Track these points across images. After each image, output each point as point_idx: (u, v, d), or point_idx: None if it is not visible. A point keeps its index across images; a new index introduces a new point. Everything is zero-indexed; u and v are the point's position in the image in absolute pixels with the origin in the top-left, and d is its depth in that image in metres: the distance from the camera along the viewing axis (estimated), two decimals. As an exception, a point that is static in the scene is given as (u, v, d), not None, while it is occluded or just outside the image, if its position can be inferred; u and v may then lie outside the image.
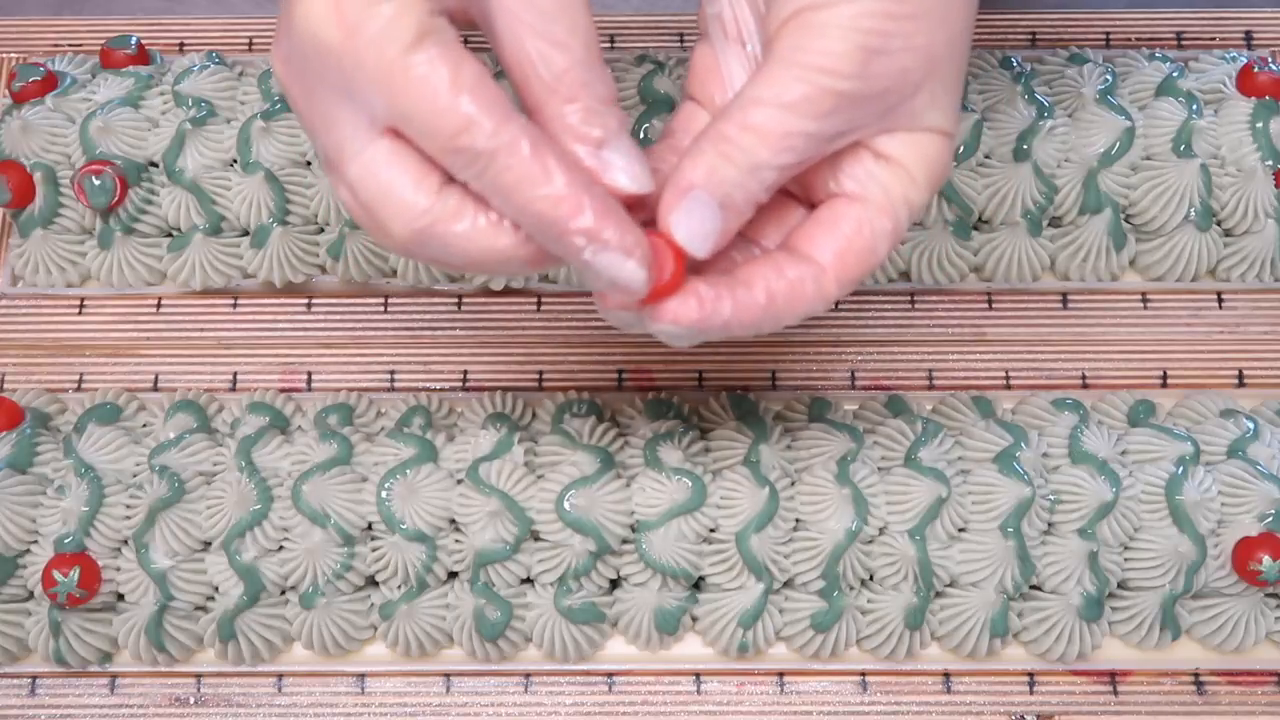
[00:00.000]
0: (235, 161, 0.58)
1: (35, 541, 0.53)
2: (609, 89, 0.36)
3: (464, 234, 0.36)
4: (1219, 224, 0.58)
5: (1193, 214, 0.57)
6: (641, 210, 0.38)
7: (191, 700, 0.53)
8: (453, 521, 0.52)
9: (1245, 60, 0.60)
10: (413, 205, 0.36)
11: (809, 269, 0.38)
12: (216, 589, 0.53)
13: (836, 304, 0.59)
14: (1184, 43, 0.64)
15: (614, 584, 0.53)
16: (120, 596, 0.53)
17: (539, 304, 0.60)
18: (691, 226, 0.37)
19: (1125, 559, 0.52)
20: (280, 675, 0.54)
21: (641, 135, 0.58)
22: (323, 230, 0.59)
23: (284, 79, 0.37)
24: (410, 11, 0.34)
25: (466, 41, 0.35)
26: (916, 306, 0.59)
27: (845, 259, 0.38)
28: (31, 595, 0.53)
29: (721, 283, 0.37)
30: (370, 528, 0.52)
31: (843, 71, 0.36)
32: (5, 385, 0.59)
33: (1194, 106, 0.58)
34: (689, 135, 0.41)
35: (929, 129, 0.39)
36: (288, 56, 0.36)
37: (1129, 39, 0.64)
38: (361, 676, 0.53)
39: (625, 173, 0.36)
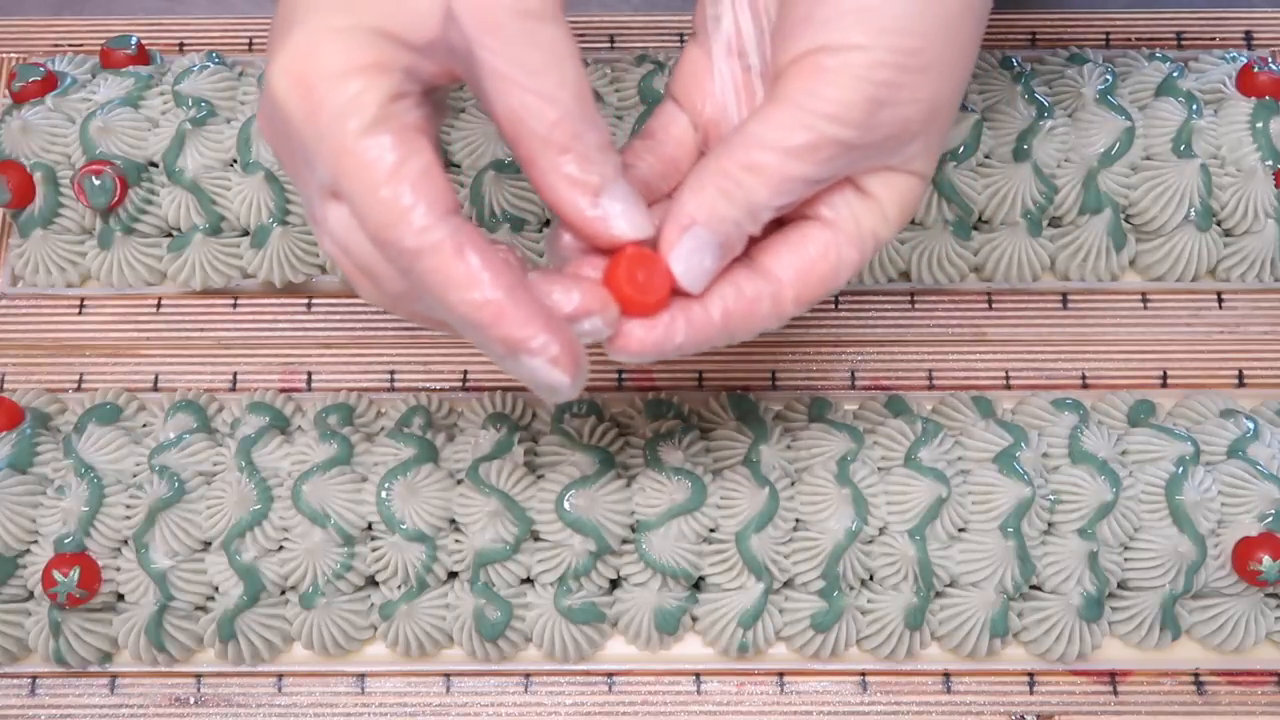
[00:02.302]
0: (235, 161, 0.58)
1: (35, 541, 0.53)
2: (602, 135, 0.36)
3: (423, 318, 0.38)
4: (1219, 224, 0.58)
5: (1193, 214, 0.57)
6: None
7: (191, 700, 0.53)
8: (453, 521, 0.52)
9: (1245, 60, 0.60)
10: (374, 289, 0.38)
11: (767, 286, 0.38)
12: (216, 589, 0.53)
13: (836, 304, 0.59)
14: (1184, 43, 0.64)
15: (614, 584, 0.53)
16: (120, 596, 0.53)
17: (539, 304, 0.59)
18: (691, 264, 0.37)
19: (1125, 559, 0.52)
20: (280, 675, 0.54)
21: (641, 135, 0.58)
22: (323, 230, 0.59)
23: (267, 138, 0.38)
24: (374, 91, 0.34)
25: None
26: (916, 306, 0.59)
27: (807, 280, 0.38)
28: (31, 595, 0.53)
29: (677, 303, 0.37)
30: (370, 528, 0.52)
31: (849, 120, 0.36)
32: (5, 385, 0.59)
33: (1194, 106, 0.58)
34: (668, 137, 0.42)
35: (911, 172, 0.39)
36: (267, 118, 0.37)
37: (1129, 39, 0.64)
38: (361, 676, 0.53)
39: (625, 219, 0.36)
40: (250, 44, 0.65)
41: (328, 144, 0.34)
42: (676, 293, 0.37)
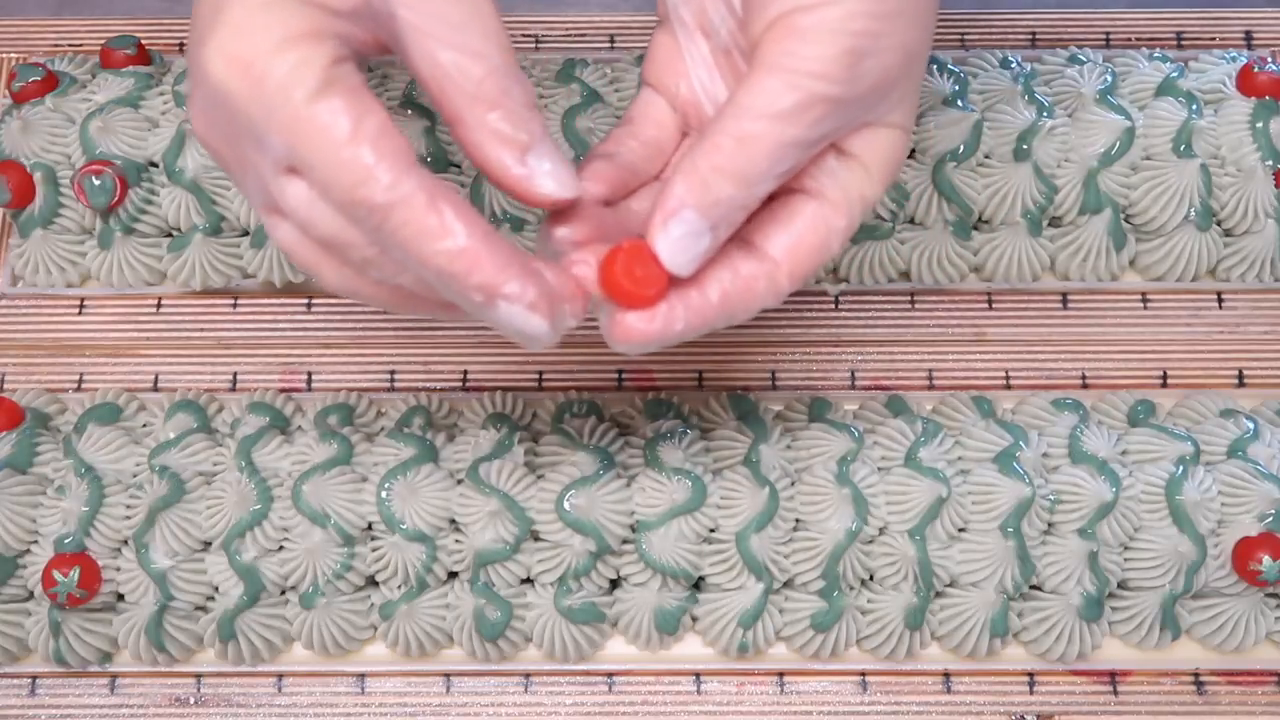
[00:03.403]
0: (235, 161, 0.58)
1: (35, 541, 0.53)
2: (528, 94, 0.36)
3: (386, 297, 0.38)
4: (1219, 224, 0.58)
5: (1193, 214, 0.57)
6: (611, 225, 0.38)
7: (191, 700, 0.53)
8: (453, 521, 0.52)
9: (1245, 60, 0.60)
10: (337, 269, 0.37)
11: (762, 266, 0.38)
12: (216, 589, 0.53)
13: (836, 304, 0.59)
14: (1184, 43, 0.64)
15: (614, 584, 0.53)
16: (120, 596, 0.53)
17: (539, 304, 0.59)
18: (678, 250, 0.36)
19: (1125, 559, 0.52)
20: (280, 675, 0.54)
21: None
22: (323, 230, 0.59)
23: (204, 134, 0.37)
24: (315, 59, 0.34)
25: (374, 71, 0.36)
26: (916, 306, 0.59)
27: (798, 254, 0.38)
28: (31, 595, 0.53)
29: (675, 291, 0.37)
30: (370, 528, 0.52)
31: (833, 76, 0.36)
32: (5, 385, 0.59)
33: (1194, 106, 0.58)
34: (647, 121, 0.42)
35: (891, 125, 0.39)
36: (203, 110, 0.36)
37: (1129, 39, 0.64)
38: (361, 676, 0.53)
39: (552, 177, 0.36)
40: (250, 44, 0.65)
41: (278, 116, 0.34)
42: (673, 279, 0.37)
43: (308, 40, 0.34)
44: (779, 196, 0.39)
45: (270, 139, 0.34)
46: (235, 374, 0.59)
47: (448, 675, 0.53)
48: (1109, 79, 0.59)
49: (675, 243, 0.36)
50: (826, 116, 0.36)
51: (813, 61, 0.36)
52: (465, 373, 0.59)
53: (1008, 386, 0.58)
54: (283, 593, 0.53)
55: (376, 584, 0.53)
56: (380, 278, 0.37)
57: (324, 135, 0.34)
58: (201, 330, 0.59)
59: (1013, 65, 0.60)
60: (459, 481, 0.52)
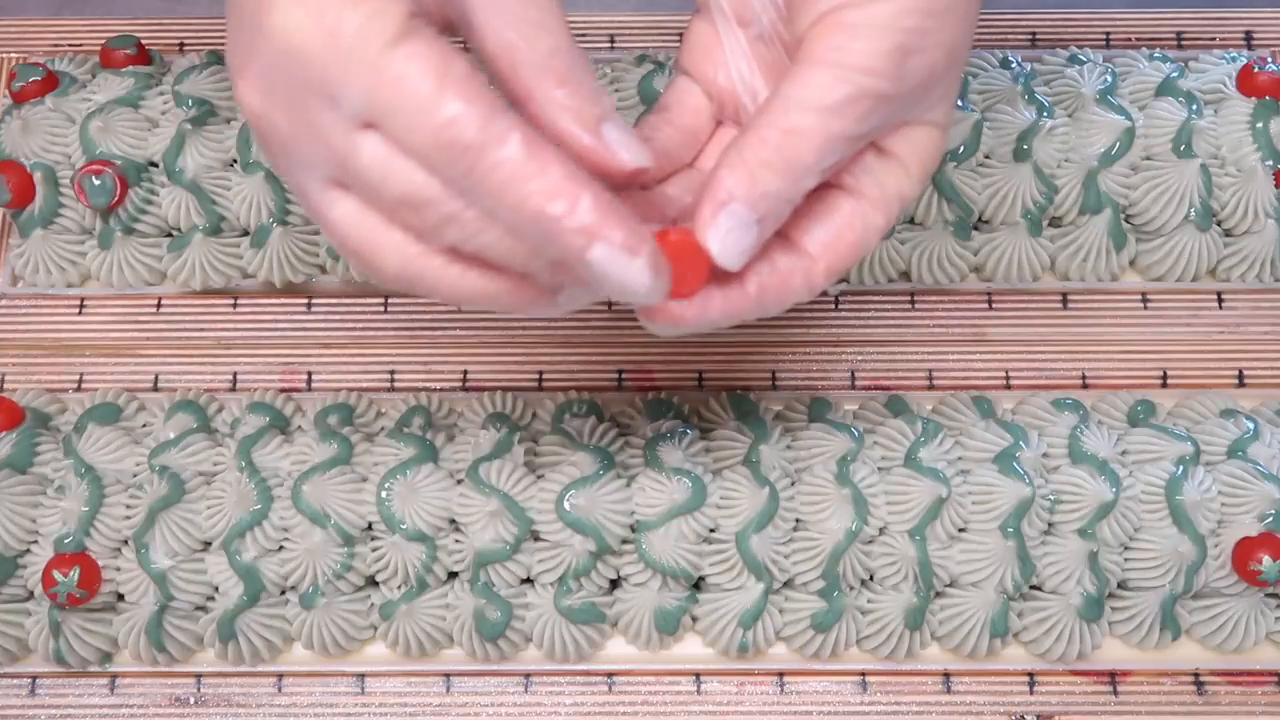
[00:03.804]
0: (235, 161, 0.58)
1: (35, 541, 0.53)
2: (593, 75, 0.36)
3: (452, 278, 0.36)
4: (1219, 224, 0.58)
5: (1193, 214, 0.57)
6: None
7: (191, 700, 0.53)
8: (453, 521, 0.52)
9: (1245, 60, 0.60)
10: (401, 247, 0.36)
11: (799, 261, 0.38)
12: (216, 589, 0.53)
13: (836, 304, 0.59)
14: (1184, 43, 0.64)
15: (614, 584, 0.53)
16: (120, 596, 0.53)
17: (539, 304, 0.59)
18: (728, 243, 0.36)
19: (1125, 559, 0.52)
20: (280, 675, 0.54)
21: (641, 135, 0.58)
22: (323, 230, 0.59)
23: (259, 106, 0.35)
24: (391, 10, 0.33)
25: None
26: (916, 306, 0.59)
27: (836, 250, 0.38)
28: (31, 595, 0.53)
29: (714, 281, 0.37)
30: (370, 528, 0.52)
31: (882, 72, 0.36)
32: (5, 385, 0.59)
33: (1194, 106, 0.58)
34: (684, 108, 0.42)
35: (930, 123, 0.39)
36: (261, 77, 0.35)
37: (1129, 39, 0.64)
38: (361, 676, 0.53)
39: (627, 149, 0.36)
40: (250, 44, 0.65)
41: (356, 63, 0.33)
42: (714, 270, 0.37)
43: None
44: (817, 193, 0.39)
45: (347, 90, 0.33)
46: (235, 374, 0.59)
47: (448, 675, 0.53)
48: (1109, 79, 0.59)
49: (725, 236, 0.36)
50: (874, 111, 0.36)
51: (862, 56, 0.36)
52: (465, 373, 0.59)
53: (1008, 386, 0.58)
54: (283, 593, 0.53)
55: (376, 584, 0.53)
56: (459, 239, 0.35)
57: (408, 81, 0.32)
58: (201, 330, 0.59)
59: (1013, 65, 0.60)
60: (459, 481, 0.52)
